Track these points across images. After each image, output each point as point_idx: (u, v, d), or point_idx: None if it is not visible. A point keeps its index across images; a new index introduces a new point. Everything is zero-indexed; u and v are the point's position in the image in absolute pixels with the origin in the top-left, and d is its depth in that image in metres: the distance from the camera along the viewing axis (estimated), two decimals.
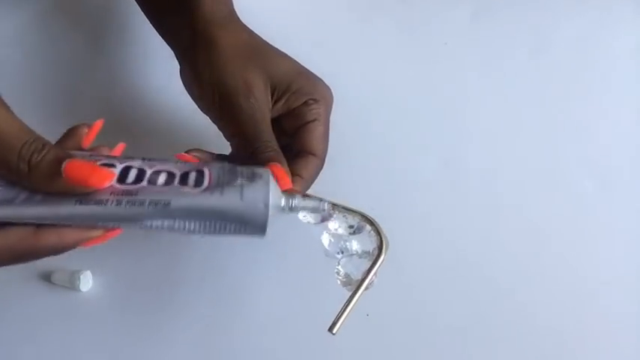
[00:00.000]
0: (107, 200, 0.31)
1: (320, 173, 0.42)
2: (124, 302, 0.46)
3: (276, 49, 0.43)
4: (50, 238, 0.31)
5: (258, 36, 0.44)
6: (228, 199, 0.31)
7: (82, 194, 0.31)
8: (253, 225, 0.31)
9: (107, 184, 0.31)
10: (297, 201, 0.34)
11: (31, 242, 0.31)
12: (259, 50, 0.42)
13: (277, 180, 0.36)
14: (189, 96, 0.43)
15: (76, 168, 0.30)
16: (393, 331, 0.46)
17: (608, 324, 0.47)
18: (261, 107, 0.40)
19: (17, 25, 0.55)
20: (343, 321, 0.34)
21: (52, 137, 0.53)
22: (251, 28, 0.46)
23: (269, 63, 0.41)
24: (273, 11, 0.48)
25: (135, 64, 0.54)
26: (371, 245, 0.36)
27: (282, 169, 0.37)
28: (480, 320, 0.46)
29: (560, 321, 0.46)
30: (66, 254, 0.46)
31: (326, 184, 0.46)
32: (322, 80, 0.43)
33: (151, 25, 0.47)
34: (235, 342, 0.45)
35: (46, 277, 0.46)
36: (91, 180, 0.30)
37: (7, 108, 0.33)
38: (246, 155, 0.39)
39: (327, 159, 0.44)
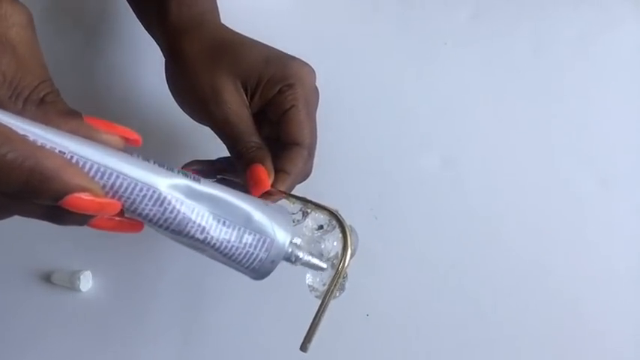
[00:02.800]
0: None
1: (320, 174, 0.42)
2: (124, 302, 0.46)
3: (245, 40, 0.41)
4: (55, 161, 0.25)
5: (226, 31, 0.42)
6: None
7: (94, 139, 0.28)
8: (256, 273, 0.33)
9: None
10: (301, 255, 0.33)
11: (31, 150, 0.25)
12: (224, 49, 0.40)
13: (253, 183, 0.37)
14: None
15: (97, 119, 0.29)
16: (393, 331, 0.46)
17: (608, 324, 0.46)
18: (235, 109, 0.39)
19: None
20: (314, 336, 0.33)
21: None
22: (250, 28, 0.45)
23: (235, 60, 0.40)
24: (273, 11, 0.48)
25: (133, 64, 0.54)
26: (339, 247, 0.34)
27: (261, 170, 0.37)
28: (480, 320, 0.46)
29: (560, 321, 0.46)
30: (66, 254, 0.47)
31: (326, 183, 0.46)
32: (297, 59, 0.41)
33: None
34: (236, 342, 0.45)
35: (46, 277, 0.46)
36: (114, 128, 0.29)
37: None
38: (232, 155, 0.39)
39: (327, 159, 0.44)
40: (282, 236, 0.31)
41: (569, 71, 0.54)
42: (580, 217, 0.49)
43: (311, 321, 0.32)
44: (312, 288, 0.37)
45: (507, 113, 0.53)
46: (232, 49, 0.40)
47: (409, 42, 0.55)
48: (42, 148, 0.26)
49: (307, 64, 0.41)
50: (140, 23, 0.47)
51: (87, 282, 0.46)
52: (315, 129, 0.41)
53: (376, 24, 0.56)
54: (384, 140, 0.51)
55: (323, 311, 0.32)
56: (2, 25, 0.27)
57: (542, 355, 0.46)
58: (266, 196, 0.37)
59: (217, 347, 0.45)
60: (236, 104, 0.39)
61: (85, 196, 0.26)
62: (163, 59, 0.43)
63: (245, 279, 0.47)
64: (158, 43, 0.44)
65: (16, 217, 0.44)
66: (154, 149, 0.52)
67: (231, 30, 0.43)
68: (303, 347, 0.33)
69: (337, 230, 0.34)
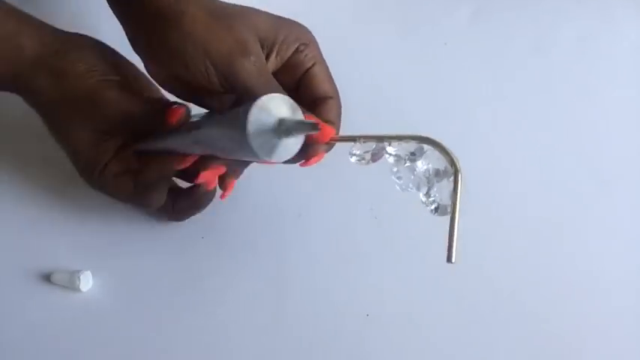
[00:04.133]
0: None
1: (317, 169, 0.41)
2: (125, 302, 0.46)
3: (248, 7, 0.40)
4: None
5: (226, 2, 0.41)
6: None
7: None
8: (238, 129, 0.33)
9: None
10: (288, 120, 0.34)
11: None
12: (232, 9, 0.39)
13: (322, 130, 0.35)
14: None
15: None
16: (393, 331, 0.46)
17: (608, 324, 0.46)
18: (264, 63, 0.38)
19: None
20: (456, 248, 0.35)
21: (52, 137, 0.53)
22: None
23: (247, 18, 0.38)
24: (274, 11, 0.48)
25: (137, 60, 0.54)
26: (440, 164, 0.36)
27: (316, 119, 0.36)
28: (480, 320, 0.46)
29: (560, 321, 0.46)
30: (66, 254, 0.47)
31: (326, 183, 0.46)
32: (300, 23, 0.41)
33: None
34: (236, 342, 0.45)
35: (46, 277, 0.46)
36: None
37: None
38: None
39: (326, 158, 0.45)
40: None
41: (569, 71, 0.54)
42: (580, 216, 0.49)
43: (448, 233, 0.35)
44: (434, 204, 0.38)
45: (507, 113, 0.53)
46: (240, 12, 0.39)
47: (409, 42, 0.55)
48: None
49: (307, 28, 0.41)
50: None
51: (87, 282, 0.46)
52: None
53: (376, 24, 0.56)
54: None
55: (454, 220, 0.35)
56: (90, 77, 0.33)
57: (542, 355, 0.46)
58: (326, 145, 0.37)
59: (219, 347, 0.45)
60: (263, 60, 0.38)
61: None
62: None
63: (247, 281, 0.47)
64: (130, 20, 0.41)
65: (16, 217, 0.44)
66: None
67: (229, 2, 0.41)
68: (449, 259, 0.35)
69: (428, 154, 0.36)
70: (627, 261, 0.48)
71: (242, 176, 0.44)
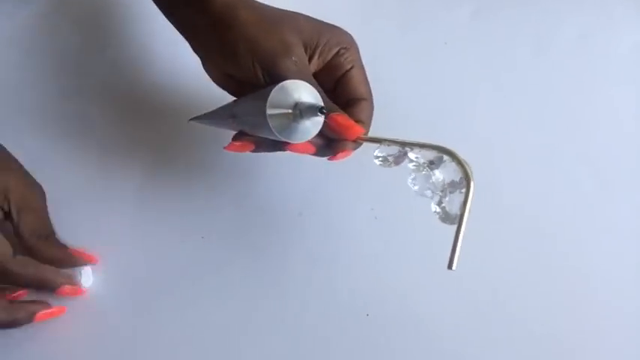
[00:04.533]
0: None
1: (316, 169, 0.44)
2: (125, 301, 0.46)
3: (291, 11, 0.43)
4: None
5: (271, 6, 0.44)
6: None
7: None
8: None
9: None
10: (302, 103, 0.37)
11: None
12: (280, 17, 0.42)
13: (346, 128, 0.40)
14: (192, 90, 0.43)
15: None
16: (393, 331, 0.46)
17: (608, 324, 0.47)
18: (305, 63, 0.41)
19: (17, 25, 0.55)
20: (458, 256, 0.36)
21: (53, 136, 0.53)
22: None
23: (294, 24, 0.42)
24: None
25: (136, 61, 0.54)
26: (455, 175, 0.37)
27: (346, 117, 0.40)
28: (480, 320, 0.46)
29: (560, 321, 0.46)
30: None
31: (327, 183, 0.46)
32: (342, 28, 0.44)
33: (151, 24, 0.47)
34: (236, 342, 0.45)
35: None
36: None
37: None
38: None
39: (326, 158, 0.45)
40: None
41: (570, 71, 0.54)
42: (580, 216, 0.49)
43: (452, 242, 0.37)
44: (443, 214, 0.40)
45: (507, 112, 0.53)
46: (288, 17, 0.42)
47: (409, 42, 0.55)
48: None
49: (350, 34, 0.44)
50: (143, 19, 0.46)
51: (87, 278, 0.46)
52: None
53: (377, 23, 0.56)
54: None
55: (460, 231, 0.37)
56: None
57: (542, 355, 0.46)
58: (353, 143, 0.41)
59: (218, 346, 0.45)
60: (305, 60, 0.41)
61: None
62: (165, 59, 0.42)
63: (246, 280, 0.47)
64: (191, 22, 0.44)
65: None
66: (156, 144, 0.52)
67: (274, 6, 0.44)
68: (450, 266, 0.37)
69: (446, 163, 0.38)
70: (627, 261, 0.48)
71: (242, 176, 0.44)
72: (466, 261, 0.48)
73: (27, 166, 0.46)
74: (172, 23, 0.45)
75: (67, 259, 0.45)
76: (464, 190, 0.36)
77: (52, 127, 0.52)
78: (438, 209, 0.39)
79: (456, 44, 0.55)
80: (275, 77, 0.39)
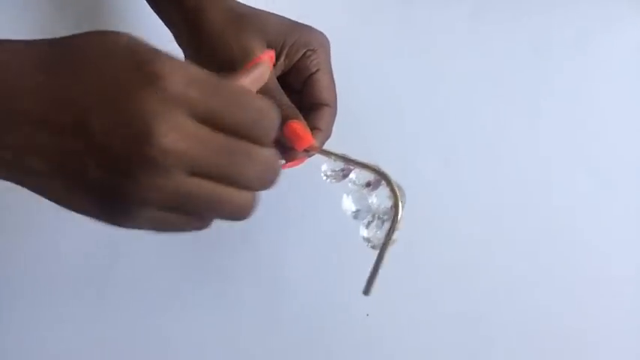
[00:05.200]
0: None
1: (317, 169, 0.42)
2: (125, 300, 0.46)
3: (263, 11, 0.43)
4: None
5: (244, 5, 0.44)
6: None
7: None
8: None
9: None
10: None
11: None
12: (248, 17, 0.42)
13: (297, 138, 0.38)
14: None
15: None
16: (393, 331, 0.46)
17: (608, 324, 0.47)
18: None
19: (17, 25, 0.55)
20: (374, 283, 0.36)
21: None
22: None
23: (260, 23, 0.41)
24: (274, 11, 0.48)
25: None
26: (389, 202, 0.37)
27: (301, 125, 0.39)
28: (480, 320, 0.46)
29: (560, 321, 0.46)
30: (67, 252, 0.47)
31: (327, 183, 0.46)
32: (314, 28, 0.43)
33: (153, 22, 0.47)
34: (236, 342, 0.45)
35: None
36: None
37: None
38: None
39: (326, 158, 0.44)
40: None
41: (569, 71, 0.54)
42: (580, 217, 0.49)
43: (371, 269, 0.36)
44: (367, 240, 0.39)
45: (507, 113, 0.53)
46: (255, 17, 0.42)
47: (409, 42, 0.55)
48: None
49: (324, 34, 0.43)
50: (144, 18, 0.46)
51: None
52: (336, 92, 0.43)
53: (376, 24, 0.56)
54: (383, 140, 0.51)
55: (380, 260, 0.36)
56: None
57: (542, 355, 0.46)
58: (304, 152, 0.40)
59: (219, 346, 0.45)
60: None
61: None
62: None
63: (243, 279, 0.47)
64: (170, 19, 0.45)
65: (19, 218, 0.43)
66: None
67: (247, 5, 0.44)
68: (366, 292, 0.36)
69: (383, 186, 0.37)
70: (627, 261, 0.48)
71: None
72: (466, 261, 0.48)
73: None
74: (162, 21, 0.46)
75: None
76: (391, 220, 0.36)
77: None
78: (365, 234, 0.38)
79: (456, 44, 0.55)
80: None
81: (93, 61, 0.26)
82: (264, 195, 0.49)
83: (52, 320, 0.46)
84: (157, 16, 0.46)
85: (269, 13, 0.43)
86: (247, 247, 0.48)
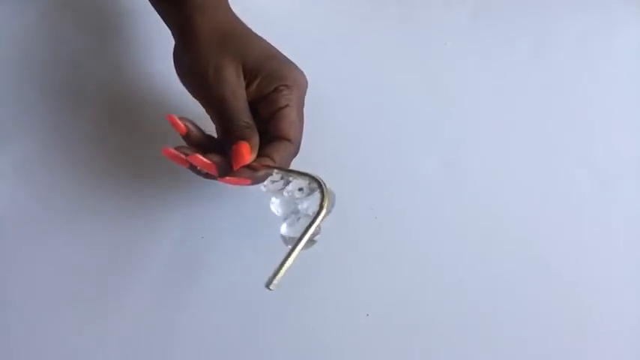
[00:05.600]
0: None
1: (321, 173, 0.43)
2: (125, 300, 0.46)
3: (253, 33, 0.45)
4: None
5: (238, 21, 0.45)
6: None
7: None
8: None
9: None
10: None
11: None
12: (233, 34, 0.44)
13: (236, 158, 0.40)
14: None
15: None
16: (393, 331, 0.46)
17: (608, 324, 0.47)
18: (232, 89, 0.42)
19: (17, 25, 0.55)
20: (280, 277, 0.35)
21: (53, 136, 0.53)
22: (251, 28, 0.46)
23: (242, 47, 0.43)
24: (274, 11, 0.48)
25: (137, 60, 0.54)
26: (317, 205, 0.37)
27: (245, 147, 0.41)
28: (480, 320, 0.46)
29: (560, 322, 0.46)
30: (67, 253, 0.47)
31: (327, 183, 0.46)
32: (295, 65, 0.44)
33: (152, 23, 0.48)
34: (236, 342, 0.45)
35: None
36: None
37: None
38: (221, 133, 0.42)
39: (327, 158, 0.45)
40: None
41: (570, 72, 0.54)
42: (580, 217, 0.49)
43: (279, 263, 0.35)
44: (285, 238, 0.40)
45: (507, 113, 0.53)
46: (240, 37, 0.44)
47: (409, 42, 0.55)
48: None
49: (303, 73, 0.44)
50: (144, 18, 0.47)
51: None
52: (302, 129, 0.44)
53: (376, 24, 0.56)
54: (384, 140, 0.51)
55: (290, 254, 0.35)
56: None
57: (542, 355, 0.46)
58: (248, 169, 0.41)
59: (218, 346, 0.45)
60: (234, 84, 0.42)
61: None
62: (164, 58, 0.43)
63: (244, 281, 0.47)
64: (171, 23, 0.47)
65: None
66: (160, 142, 0.52)
67: (241, 21, 0.45)
68: (268, 285, 0.36)
69: (316, 193, 0.38)
70: (627, 262, 0.48)
71: None
72: (466, 261, 0.48)
73: (24, 166, 0.45)
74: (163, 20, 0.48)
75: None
76: (315, 218, 0.36)
77: (52, 127, 0.52)
78: (284, 232, 0.40)
79: (457, 44, 0.55)
80: (204, 97, 0.43)
81: None
82: (263, 196, 0.50)
83: (51, 320, 0.46)
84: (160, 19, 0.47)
85: (256, 38, 0.44)
86: (247, 247, 0.48)
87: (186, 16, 0.44)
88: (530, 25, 0.56)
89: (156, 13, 0.49)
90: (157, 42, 0.54)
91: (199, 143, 0.44)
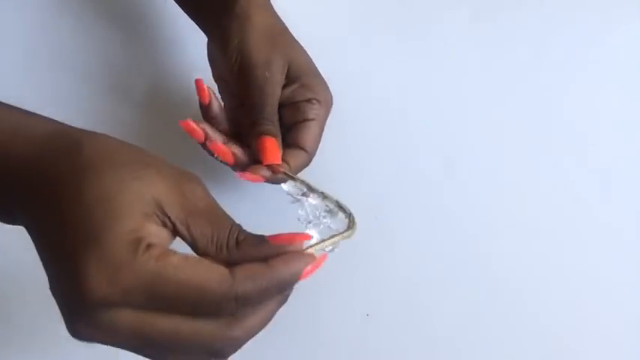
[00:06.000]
0: None
1: (321, 174, 0.44)
2: None
3: (293, 37, 0.46)
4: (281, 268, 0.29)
5: (283, 23, 0.46)
6: None
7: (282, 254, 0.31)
8: None
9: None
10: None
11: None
12: (285, 35, 0.45)
13: (266, 152, 0.41)
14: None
15: (280, 236, 0.32)
16: (393, 331, 0.46)
17: (609, 324, 0.47)
18: (273, 83, 0.43)
19: (17, 25, 0.55)
20: None
21: None
22: None
23: (291, 49, 0.44)
24: (275, 12, 0.48)
25: (138, 60, 0.54)
26: (341, 226, 0.37)
27: (275, 142, 0.42)
28: (481, 320, 0.46)
29: (560, 321, 0.46)
30: None
31: (327, 183, 0.46)
32: (327, 84, 0.45)
33: (155, 19, 0.47)
34: None
35: None
36: (297, 239, 0.32)
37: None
38: (248, 123, 0.42)
39: (327, 159, 0.45)
40: None
41: (570, 72, 0.54)
42: (580, 218, 0.49)
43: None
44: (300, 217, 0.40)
45: (508, 114, 0.53)
46: (291, 40, 0.45)
47: (409, 42, 0.55)
48: None
49: (332, 94, 0.45)
50: (148, 17, 0.47)
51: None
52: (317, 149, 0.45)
53: (376, 24, 0.56)
54: (384, 140, 0.51)
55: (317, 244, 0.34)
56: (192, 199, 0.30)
57: (542, 355, 0.46)
58: (271, 171, 0.42)
59: None
60: (276, 80, 0.43)
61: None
62: (165, 57, 0.42)
63: None
64: (215, 10, 0.46)
65: None
66: (167, 141, 0.52)
67: (283, 24, 0.46)
68: None
69: (340, 216, 0.38)
70: (627, 262, 0.48)
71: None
72: (466, 261, 0.48)
73: None
74: (190, 9, 0.48)
75: (277, 253, 0.31)
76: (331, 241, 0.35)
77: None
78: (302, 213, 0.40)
79: (456, 45, 0.55)
80: (242, 81, 0.43)
81: None
82: (264, 196, 0.50)
83: (51, 320, 0.45)
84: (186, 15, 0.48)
85: (302, 47, 0.45)
86: None
87: (241, 5, 0.44)
88: (530, 25, 0.56)
89: (162, 8, 0.49)
90: (160, 39, 0.54)
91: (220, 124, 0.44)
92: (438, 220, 0.49)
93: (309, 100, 0.43)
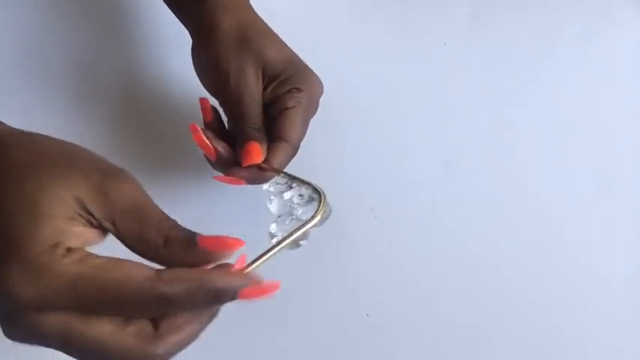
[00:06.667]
0: None
1: (321, 174, 0.43)
2: None
3: (274, 35, 0.45)
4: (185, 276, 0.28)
5: (259, 20, 0.45)
6: None
7: (213, 262, 0.30)
8: None
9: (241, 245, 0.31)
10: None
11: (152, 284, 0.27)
12: (256, 37, 0.44)
13: (246, 155, 0.40)
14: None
15: (209, 238, 0.30)
16: (393, 331, 0.46)
17: (608, 324, 0.47)
18: (251, 92, 0.42)
19: (17, 25, 0.55)
20: (253, 269, 0.34)
21: (57, 134, 0.53)
22: None
23: (263, 49, 0.43)
24: (274, 11, 0.48)
25: (139, 60, 0.54)
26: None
27: (256, 146, 0.41)
28: (481, 320, 0.46)
29: (560, 321, 0.46)
30: None
31: (327, 183, 0.46)
32: (313, 71, 0.44)
33: (155, 21, 0.47)
34: (236, 342, 0.45)
35: None
36: (226, 244, 0.30)
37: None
38: (236, 135, 0.42)
39: (327, 159, 0.45)
40: None
41: (570, 71, 0.54)
42: (580, 218, 0.49)
43: (258, 255, 0.34)
44: (271, 235, 0.40)
45: (507, 114, 0.53)
46: (262, 38, 0.44)
47: (409, 42, 0.55)
48: None
49: (319, 79, 0.44)
50: (145, 16, 0.47)
51: None
52: (304, 134, 0.43)
53: (376, 24, 0.56)
54: (384, 140, 0.51)
55: (270, 250, 0.35)
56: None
57: (542, 355, 0.46)
58: (256, 168, 0.41)
59: (218, 346, 0.45)
60: (253, 89, 0.42)
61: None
62: (164, 57, 0.42)
63: None
64: (190, 19, 0.47)
65: None
66: (165, 142, 0.52)
67: (262, 20, 0.45)
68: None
69: (315, 202, 0.37)
70: (627, 262, 0.48)
71: None
72: (467, 261, 0.48)
73: None
74: (176, 15, 0.48)
75: (207, 259, 0.30)
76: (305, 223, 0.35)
77: (53, 127, 0.52)
78: (273, 230, 0.40)
79: (456, 45, 0.55)
80: (221, 95, 0.43)
81: None
82: (263, 195, 0.49)
83: None
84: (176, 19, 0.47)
85: (276, 39, 0.44)
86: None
87: (209, 11, 0.44)
88: (530, 25, 0.56)
89: (161, 9, 0.49)
90: (160, 40, 0.54)
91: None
92: (437, 220, 0.49)
93: (289, 91, 0.43)
